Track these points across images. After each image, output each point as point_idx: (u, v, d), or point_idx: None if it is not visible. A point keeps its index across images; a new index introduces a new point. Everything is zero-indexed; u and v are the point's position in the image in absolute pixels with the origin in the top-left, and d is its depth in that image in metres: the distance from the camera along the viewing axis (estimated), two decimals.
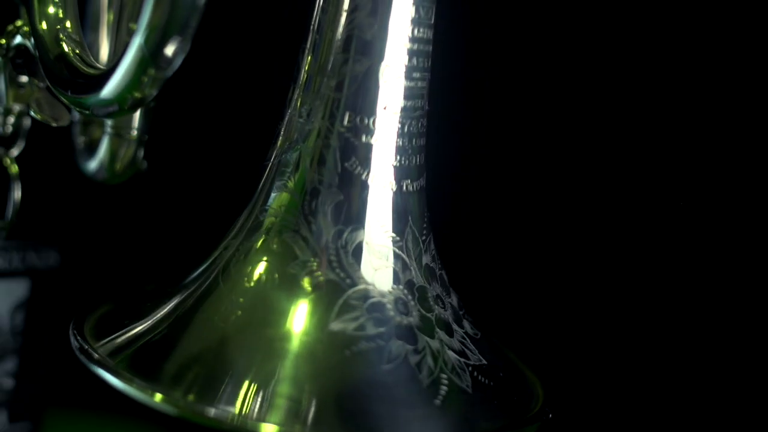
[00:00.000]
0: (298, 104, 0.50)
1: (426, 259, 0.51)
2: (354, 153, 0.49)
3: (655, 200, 0.65)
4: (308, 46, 0.50)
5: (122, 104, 0.47)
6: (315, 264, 0.48)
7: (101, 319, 0.52)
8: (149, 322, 0.49)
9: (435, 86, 0.51)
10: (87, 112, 0.50)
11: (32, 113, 0.59)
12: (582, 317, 0.68)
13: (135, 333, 0.49)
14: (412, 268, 0.50)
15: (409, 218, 0.50)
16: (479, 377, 0.49)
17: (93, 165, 0.63)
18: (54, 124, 0.58)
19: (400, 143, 0.49)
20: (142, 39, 0.44)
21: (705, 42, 0.62)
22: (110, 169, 0.62)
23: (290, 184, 0.49)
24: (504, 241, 0.71)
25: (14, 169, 0.63)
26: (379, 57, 0.48)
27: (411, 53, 0.49)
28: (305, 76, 0.50)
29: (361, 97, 0.49)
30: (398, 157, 0.49)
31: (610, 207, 0.67)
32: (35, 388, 0.74)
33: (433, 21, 0.50)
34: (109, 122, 0.61)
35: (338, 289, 0.48)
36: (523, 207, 0.70)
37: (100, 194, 0.74)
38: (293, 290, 0.48)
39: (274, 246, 0.49)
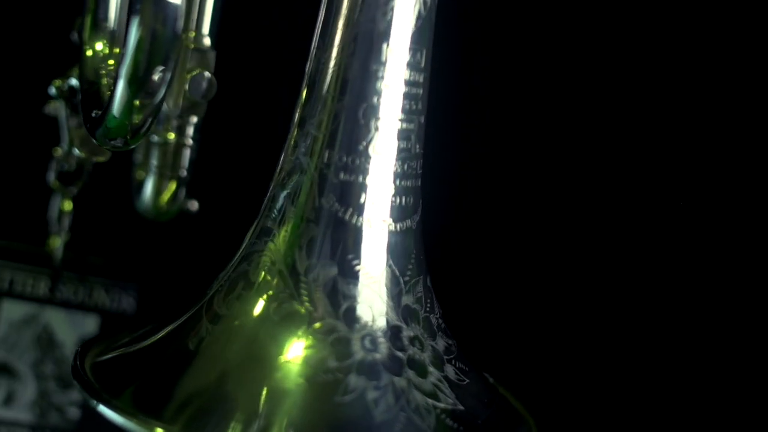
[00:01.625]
0: (291, 141, 0.52)
1: (407, 299, 0.51)
2: (331, 190, 0.50)
3: (655, 200, 0.64)
4: (305, 83, 0.52)
5: (120, 132, 0.50)
6: (286, 296, 0.49)
7: (104, 357, 0.54)
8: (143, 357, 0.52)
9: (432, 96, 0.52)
10: (102, 144, 0.53)
11: (75, 150, 0.63)
12: (581, 321, 0.67)
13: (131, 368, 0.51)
14: (386, 306, 0.50)
15: (389, 257, 0.50)
16: (447, 421, 0.49)
17: (140, 203, 0.66)
18: (95, 160, 0.62)
19: (380, 183, 0.50)
20: (129, 70, 0.47)
21: (705, 42, 0.62)
22: (155, 207, 0.65)
23: (273, 218, 0.51)
24: (501, 248, 0.71)
25: (68, 206, 0.67)
26: (360, 97, 0.50)
27: (379, 93, 0.50)
28: (299, 112, 0.51)
29: (340, 135, 0.50)
30: (378, 197, 0.50)
31: (610, 208, 0.66)
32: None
33: (423, 64, 0.51)
34: (153, 161, 0.64)
35: (304, 322, 0.48)
36: (521, 220, 0.70)
37: (177, 234, 0.77)
38: (263, 321, 0.49)
39: (252, 278, 0.50)
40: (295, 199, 0.50)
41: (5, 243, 0.71)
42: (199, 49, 0.60)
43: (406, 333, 0.50)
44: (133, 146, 0.54)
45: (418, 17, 0.50)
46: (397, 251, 0.51)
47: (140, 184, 0.66)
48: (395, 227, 0.51)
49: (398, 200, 0.51)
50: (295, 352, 0.48)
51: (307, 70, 0.52)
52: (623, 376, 0.66)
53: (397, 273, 0.51)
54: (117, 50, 0.58)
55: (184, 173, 0.64)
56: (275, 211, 0.51)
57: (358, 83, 0.49)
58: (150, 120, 0.50)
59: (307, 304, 0.49)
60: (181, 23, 0.47)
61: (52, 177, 0.68)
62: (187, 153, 0.64)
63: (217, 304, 0.51)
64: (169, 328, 0.52)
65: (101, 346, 0.54)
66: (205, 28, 0.61)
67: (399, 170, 0.51)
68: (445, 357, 0.52)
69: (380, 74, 0.49)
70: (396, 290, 0.50)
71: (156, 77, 0.48)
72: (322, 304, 0.49)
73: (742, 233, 0.62)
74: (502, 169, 0.71)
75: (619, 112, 0.66)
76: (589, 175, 0.68)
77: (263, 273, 0.50)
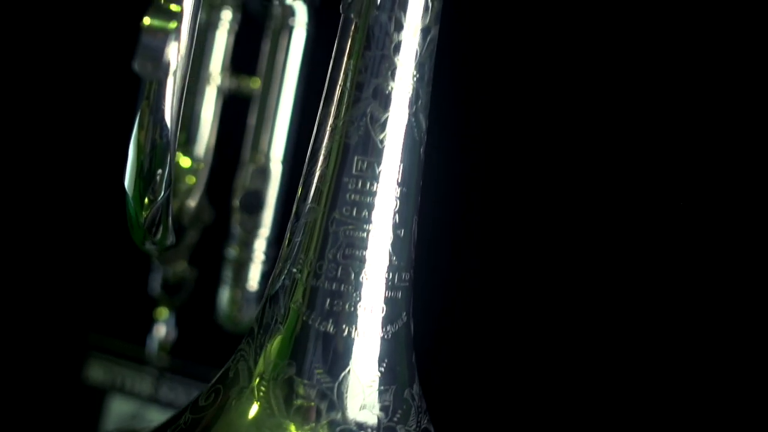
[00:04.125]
0: (283, 248, 0.55)
1: (367, 406, 0.51)
2: (301, 294, 0.52)
3: (655, 200, 0.64)
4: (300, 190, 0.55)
5: (137, 228, 0.55)
6: (247, 393, 0.51)
7: None
8: None
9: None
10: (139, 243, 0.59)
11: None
12: (580, 322, 0.67)
13: None
14: (339, 410, 0.51)
15: (350, 363, 0.51)
16: None
17: (219, 315, 0.71)
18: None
19: (344, 289, 0.51)
20: (134, 173, 0.53)
21: (705, 42, 0.62)
22: (230, 319, 0.70)
23: (256, 317, 0.54)
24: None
25: (165, 313, 0.73)
26: (329, 206, 0.52)
27: (352, 204, 0.52)
28: (291, 219, 0.55)
29: (310, 243, 0.52)
30: (340, 303, 0.51)
31: (610, 209, 0.67)
32: None
33: (399, 179, 0.52)
34: (227, 274, 0.69)
35: (259, 416, 0.50)
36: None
37: None
38: (227, 413, 0.52)
39: (230, 374, 0.53)
40: (270, 302, 0.53)
41: (116, 342, 0.77)
42: (260, 168, 0.65)
43: None
44: (166, 246, 0.59)
45: (391, 133, 0.52)
46: (361, 358, 0.52)
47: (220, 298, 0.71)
48: (359, 333, 0.52)
49: (365, 307, 0.52)
50: None
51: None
52: (625, 395, 0.66)
53: (360, 379, 0.51)
54: None
55: (254, 287, 0.68)
56: (258, 310, 0.54)
57: (328, 193, 0.52)
58: (161, 216, 0.55)
59: (263, 401, 0.51)
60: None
61: (156, 287, 0.74)
62: (257, 268, 0.68)
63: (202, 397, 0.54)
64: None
65: None
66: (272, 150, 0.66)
67: (363, 279, 0.52)
68: None
69: (350, 186, 0.52)
70: (356, 397, 0.51)
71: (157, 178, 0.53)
72: (278, 402, 0.51)
73: (742, 233, 0.62)
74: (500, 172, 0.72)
75: (618, 115, 0.67)
76: (589, 182, 0.68)
77: (235, 369, 0.53)
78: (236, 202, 0.66)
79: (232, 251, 0.68)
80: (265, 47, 0.68)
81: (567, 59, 0.69)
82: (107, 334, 0.76)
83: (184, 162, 0.69)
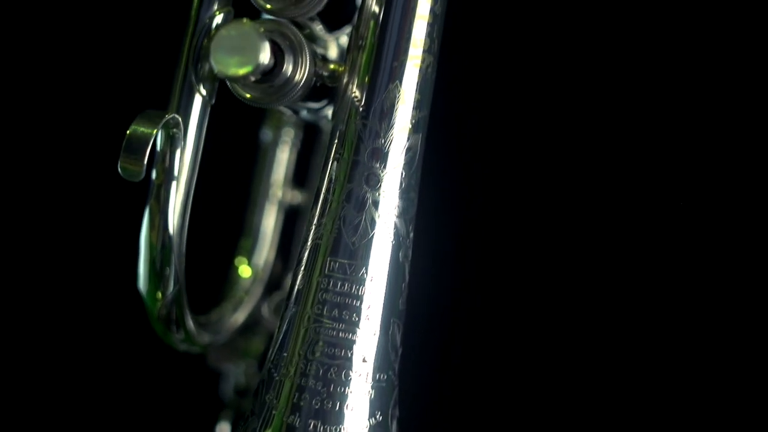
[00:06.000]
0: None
1: None
2: (273, 388, 0.54)
3: (655, 200, 0.65)
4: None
5: (154, 319, 0.59)
6: None
7: None
8: None
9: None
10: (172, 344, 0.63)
11: None
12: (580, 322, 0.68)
13: None
14: None
15: None
16: None
17: None
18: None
19: (315, 386, 0.53)
20: (145, 269, 0.57)
21: (705, 42, 0.63)
22: None
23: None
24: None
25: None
26: (303, 305, 0.54)
27: (323, 302, 0.53)
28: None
29: (284, 339, 0.54)
30: (308, 398, 0.53)
31: (610, 211, 0.67)
32: None
33: (366, 280, 0.54)
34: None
35: None
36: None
37: None
38: None
39: None
40: (254, 392, 0.55)
41: None
42: None
43: None
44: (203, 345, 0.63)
45: (365, 233, 0.54)
46: None
47: None
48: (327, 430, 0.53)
49: (331, 405, 0.53)
50: None
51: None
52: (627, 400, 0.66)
53: None
54: None
55: None
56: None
57: (304, 292, 0.54)
58: (177, 313, 0.59)
59: None
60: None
61: (229, 392, 0.77)
62: None
63: None
64: None
65: None
66: None
67: (335, 377, 0.53)
68: None
69: (322, 286, 0.54)
70: None
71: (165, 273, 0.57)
72: None
73: (742, 233, 0.62)
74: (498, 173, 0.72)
75: (619, 114, 0.67)
76: (588, 183, 0.69)
77: None
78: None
79: None
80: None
81: (566, 59, 0.71)
82: None
83: (245, 271, 0.73)
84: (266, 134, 0.73)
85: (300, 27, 0.56)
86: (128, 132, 0.52)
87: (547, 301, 0.72)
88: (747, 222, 0.64)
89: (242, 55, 0.50)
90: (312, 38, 0.58)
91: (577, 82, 0.72)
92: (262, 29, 0.52)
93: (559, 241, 0.72)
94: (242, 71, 0.50)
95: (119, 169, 0.53)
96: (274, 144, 0.73)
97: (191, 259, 0.73)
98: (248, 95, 0.55)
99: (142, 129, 0.52)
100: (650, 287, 0.68)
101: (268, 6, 0.55)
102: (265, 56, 0.50)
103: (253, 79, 0.52)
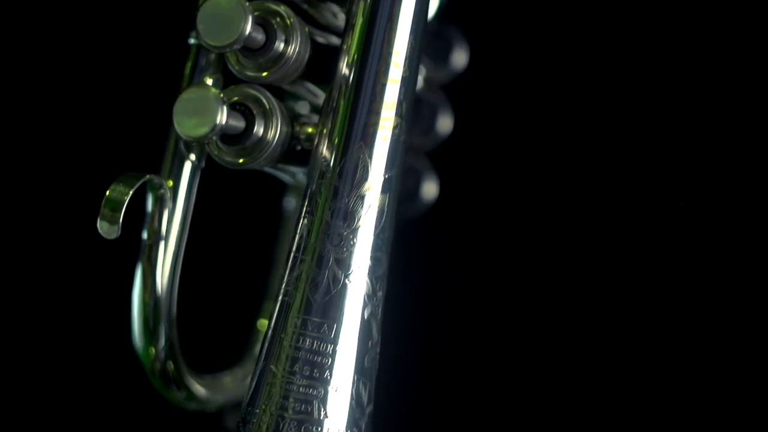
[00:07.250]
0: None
1: None
2: None
3: (655, 200, 0.66)
4: None
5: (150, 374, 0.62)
6: None
7: None
8: None
9: None
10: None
11: None
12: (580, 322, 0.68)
13: None
14: None
15: None
16: None
17: None
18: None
19: None
20: (137, 325, 0.60)
21: (705, 42, 0.64)
22: None
23: None
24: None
25: None
26: (273, 360, 0.55)
27: (290, 359, 0.54)
28: None
29: (254, 395, 0.56)
30: None
31: (610, 211, 0.67)
32: None
33: (332, 336, 0.55)
34: None
35: None
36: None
37: None
38: None
39: None
40: None
41: None
42: None
43: None
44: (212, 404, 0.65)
45: (327, 291, 0.55)
46: None
47: None
48: None
49: None
50: None
51: None
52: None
53: None
54: None
55: None
56: None
57: (275, 350, 0.56)
58: (174, 369, 0.61)
59: None
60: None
61: None
62: None
63: None
64: None
65: None
66: None
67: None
68: None
69: (284, 342, 0.55)
70: None
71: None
72: None
73: (742, 233, 0.63)
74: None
75: (618, 115, 0.67)
76: (589, 184, 0.69)
77: None
78: None
79: None
80: None
81: (567, 60, 0.71)
82: None
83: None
84: (289, 202, 0.75)
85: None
86: (107, 192, 0.56)
87: (531, 322, 0.73)
88: (747, 222, 0.64)
89: (200, 117, 0.53)
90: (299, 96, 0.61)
91: (577, 83, 0.72)
92: (222, 95, 0.55)
93: (558, 243, 0.72)
94: (199, 132, 0.53)
95: (98, 227, 0.56)
96: (297, 211, 0.75)
97: (215, 320, 0.76)
98: (226, 158, 0.57)
99: (119, 189, 0.56)
100: (651, 288, 0.68)
101: (247, 73, 0.57)
102: (222, 118, 0.53)
103: (215, 139, 0.55)
